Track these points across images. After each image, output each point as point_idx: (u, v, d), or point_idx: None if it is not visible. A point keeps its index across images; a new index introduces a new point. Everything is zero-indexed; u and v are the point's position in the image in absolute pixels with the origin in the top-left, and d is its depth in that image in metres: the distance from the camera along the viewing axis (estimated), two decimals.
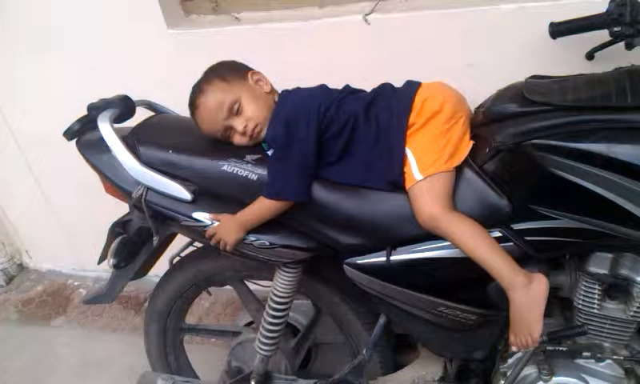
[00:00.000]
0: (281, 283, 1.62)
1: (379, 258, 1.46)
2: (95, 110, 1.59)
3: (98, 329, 2.90)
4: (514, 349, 1.37)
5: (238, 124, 1.47)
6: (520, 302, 1.30)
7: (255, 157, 1.48)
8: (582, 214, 1.26)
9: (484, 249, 1.32)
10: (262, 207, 1.44)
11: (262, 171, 1.45)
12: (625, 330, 1.45)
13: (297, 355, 1.90)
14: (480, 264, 1.32)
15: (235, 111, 1.46)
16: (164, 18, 2.13)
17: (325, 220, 1.46)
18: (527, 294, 1.29)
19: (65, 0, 2.22)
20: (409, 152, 1.38)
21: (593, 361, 1.49)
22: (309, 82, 1.56)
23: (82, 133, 1.62)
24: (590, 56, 1.64)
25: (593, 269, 1.39)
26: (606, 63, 1.50)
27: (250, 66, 1.57)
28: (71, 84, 2.38)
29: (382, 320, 1.68)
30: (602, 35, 1.52)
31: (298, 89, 1.55)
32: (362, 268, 1.49)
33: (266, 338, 1.70)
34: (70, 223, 2.97)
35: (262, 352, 1.72)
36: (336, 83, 1.55)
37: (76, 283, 3.23)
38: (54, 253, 3.21)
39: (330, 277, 1.69)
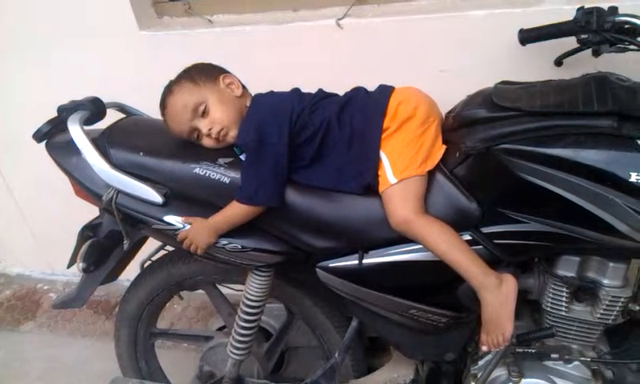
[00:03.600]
0: (253, 287, 1.61)
1: (351, 261, 1.46)
2: (65, 111, 1.57)
3: (67, 333, 2.87)
4: (485, 348, 1.38)
5: (203, 126, 1.46)
6: (491, 302, 1.32)
7: (228, 160, 1.48)
8: (549, 218, 1.28)
9: (455, 251, 1.33)
10: (235, 211, 1.44)
11: (235, 174, 1.45)
12: (592, 332, 1.48)
13: (269, 359, 1.90)
14: (451, 266, 1.34)
15: (201, 113, 1.46)
16: (136, 20, 2.11)
17: (297, 223, 1.46)
18: (498, 295, 1.31)
19: (38, 3, 2.19)
20: (383, 156, 1.39)
21: (561, 362, 1.52)
22: (282, 85, 1.56)
23: (52, 135, 1.60)
24: (558, 62, 1.67)
25: (561, 272, 1.42)
26: (574, 69, 1.53)
27: (224, 68, 1.56)
28: (41, 86, 2.35)
29: (354, 323, 1.68)
30: (571, 42, 1.55)
31: (271, 93, 1.55)
32: (335, 271, 1.49)
33: (238, 342, 1.69)
34: (40, 226, 2.93)
35: (234, 356, 1.71)
36: (309, 87, 1.55)
37: (46, 287, 3.18)
38: (23, 256, 3.17)
39: (302, 280, 1.69)
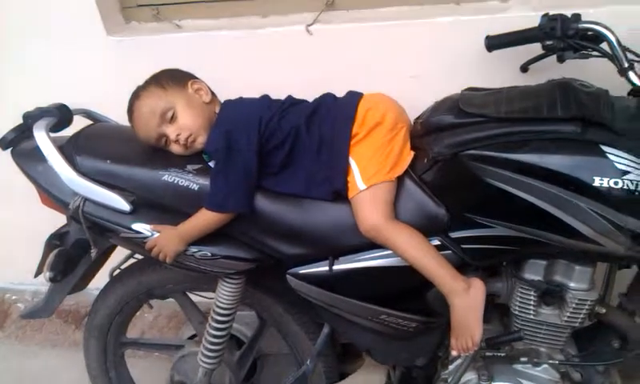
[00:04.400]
0: (223, 294, 1.60)
1: (322, 268, 1.46)
2: (31, 118, 1.54)
3: (36, 344, 2.82)
4: (454, 353, 1.39)
5: (171, 132, 1.45)
6: (460, 307, 1.33)
7: (196, 167, 1.47)
8: (515, 223, 1.30)
9: (424, 256, 1.34)
10: (204, 219, 1.43)
11: (204, 181, 1.44)
12: (560, 335, 1.50)
13: (241, 367, 1.88)
14: (421, 271, 1.35)
15: (169, 119, 1.45)
16: (103, 25, 2.08)
17: (267, 230, 1.46)
18: (466, 299, 1.32)
19: (2, 6, 2.15)
20: (352, 162, 1.39)
21: (530, 365, 1.54)
22: (251, 91, 1.56)
23: (17, 142, 1.57)
24: (524, 68, 1.69)
25: (528, 276, 1.44)
26: (539, 75, 1.55)
27: (193, 74, 1.55)
28: (6, 92, 2.30)
29: (325, 329, 1.68)
30: (536, 48, 1.57)
31: (240, 99, 1.54)
32: (305, 278, 1.49)
33: (209, 350, 1.68)
34: (7, 235, 2.86)
35: (204, 365, 1.70)
36: (279, 93, 1.55)
37: (14, 297, 3.11)
38: None
39: (273, 287, 1.68)
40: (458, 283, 1.33)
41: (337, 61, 1.93)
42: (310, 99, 1.53)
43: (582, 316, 1.43)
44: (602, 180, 1.19)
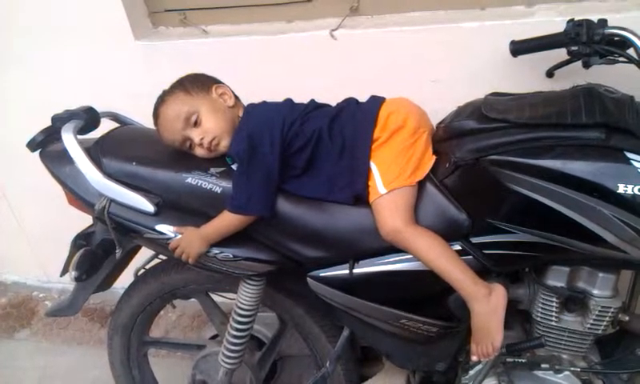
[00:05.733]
0: (244, 296, 1.62)
1: (342, 271, 1.47)
2: (59, 121, 1.58)
3: (62, 342, 2.87)
4: (474, 358, 1.38)
5: (196, 136, 1.47)
6: (481, 312, 1.33)
7: (219, 170, 1.48)
8: (538, 229, 1.29)
9: (445, 261, 1.34)
10: (226, 221, 1.44)
11: (227, 184, 1.45)
12: (582, 342, 1.48)
13: (262, 368, 1.89)
14: (441, 276, 1.34)
15: (193, 123, 1.47)
16: (131, 30, 2.12)
17: (288, 233, 1.47)
18: (488, 304, 1.32)
19: (33, 10, 2.20)
20: (373, 166, 1.40)
21: (551, 372, 1.52)
22: (275, 95, 1.58)
23: (46, 144, 1.61)
24: (549, 74, 1.68)
25: (550, 282, 1.42)
26: (565, 81, 1.53)
27: (218, 78, 1.57)
28: (37, 95, 2.35)
29: (345, 332, 1.68)
30: (562, 54, 1.56)
31: (264, 103, 1.56)
32: (326, 281, 1.49)
33: (230, 350, 1.69)
34: (36, 234, 2.93)
35: (225, 365, 1.71)
36: (302, 97, 1.56)
37: (41, 295, 3.18)
38: (19, 264, 3.16)
39: (294, 289, 1.69)
40: (479, 289, 1.33)
41: (360, 65, 1.94)
42: (334, 104, 1.54)
43: (604, 323, 1.41)
44: (626, 187, 1.18)
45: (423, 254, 1.35)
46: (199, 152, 1.50)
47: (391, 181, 1.36)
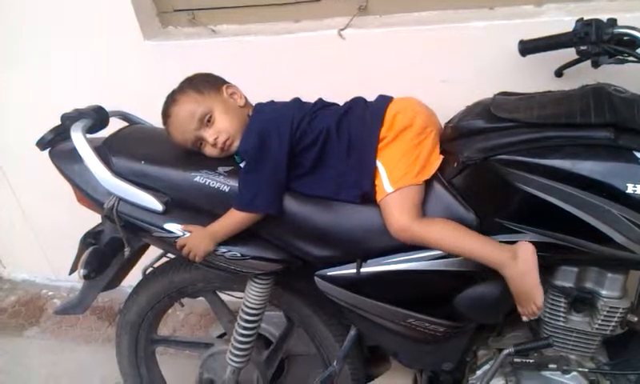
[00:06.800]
0: (252, 295, 1.62)
1: (349, 270, 1.46)
2: (68, 120, 1.58)
3: (71, 340, 2.88)
4: (524, 319, 1.35)
5: (209, 135, 1.47)
6: (512, 276, 1.29)
7: (227, 169, 1.49)
8: (547, 229, 1.28)
9: (462, 241, 1.33)
10: (233, 219, 1.45)
11: (234, 183, 1.46)
12: (590, 343, 1.48)
13: (269, 367, 1.90)
14: (464, 256, 1.34)
15: (206, 122, 1.47)
16: (140, 30, 2.13)
17: (296, 232, 1.47)
18: (517, 267, 1.28)
19: (43, 10, 2.22)
20: (380, 165, 1.40)
21: (559, 373, 1.51)
22: (283, 95, 1.58)
23: (55, 143, 1.62)
24: (558, 73, 1.68)
25: (559, 282, 1.42)
26: (574, 80, 1.53)
27: (226, 78, 1.58)
28: (46, 93, 2.37)
29: (352, 332, 1.69)
30: (571, 53, 1.56)
31: (272, 102, 1.56)
32: (333, 280, 1.49)
33: (237, 349, 1.70)
34: (45, 233, 2.95)
35: (232, 364, 1.72)
36: (310, 97, 1.56)
37: (50, 293, 3.20)
38: (28, 262, 3.18)
39: (301, 288, 1.70)
40: (504, 254, 1.29)
41: (369, 65, 1.94)
42: (341, 103, 1.54)
43: (613, 324, 1.41)
44: (635, 187, 1.17)
45: (438, 242, 1.35)
46: (210, 151, 1.50)
47: (398, 180, 1.36)
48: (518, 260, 1.28)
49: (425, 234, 1.34)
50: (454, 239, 1.33)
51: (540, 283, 1.28)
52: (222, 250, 1.49)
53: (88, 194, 1.58)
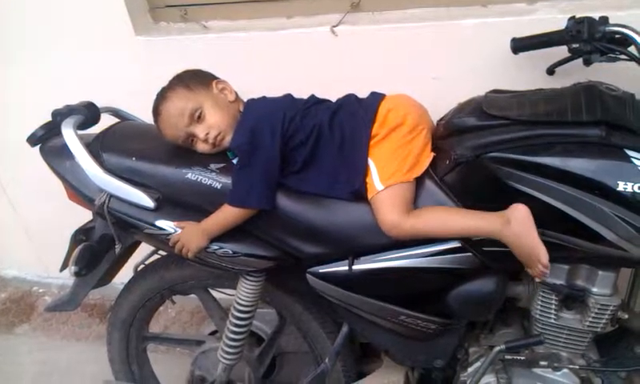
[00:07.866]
0: (244, 292, 1.62)
1: (341, 267, 1.46)
2: (59, 116, 1.57)
3: (62, 337, 2.87)
4: (537, 280, 1.36)
5: (200, 131, 1.47)
6: (511, 239, 1.28)
7: (219, 165, 1.48)
8: (538, 226, 1.28)
9: (454, 220, 1.34)
10: (226, 215, 1.44)
11: (226, 180, 1.45)
12: (581, 340, 1.49)
13: (260, 364, 1.90)
14: (459, 235, 1.34)
15: (197, 118, 1.47)
16: (132, 25, 2.11)
17: (288, 229, 1.47)
18: (513, 228, 1.27)
19: (33, 6, 2.20)
20: (371, 162, 1.40)
21: (550, 370, 1.52)
22: (275, 91, 1.57)
23: (46, 139, 1.60)
24: (550, 71, 1.68)
25: (550, 280, 1.42)
26: (566, 78, 1.53)
27: (217, 74, 1.57)
28: (36, 89, 2.35)
29: (344, 329, 1.69)
30: (563, 51, 1.56)
31: (264, 98, 1.56)
32: (325, 277, 1.49)
33: (229, 346, 1.70)
34: (36, 230, 2.92)
35: (224, 361, 1.72)
36: (302, 93, 1.56)
37: (41, 290, 3.18)
38: (18, 259, 3.16)
39: (293, 285, 1.70)
40: (497, 221, 1.28)
41: (361, 62, 1.94)
42: (333, 99, 1.54)
43: (604, 321, 1.42)
44: (626, 184, 1.18)
45: (434, 230, 1.35)
46: (202, 147, 1.49)
47: (388, 177, 1.36)
48: (511, 223, 1.27)
49: (416, 227, 1.34)
50: (444, 222, 1.34)
51: (541, 241, 1.26)
52: (214, 247, 1.48)
53: (79, 191, 1.57)
